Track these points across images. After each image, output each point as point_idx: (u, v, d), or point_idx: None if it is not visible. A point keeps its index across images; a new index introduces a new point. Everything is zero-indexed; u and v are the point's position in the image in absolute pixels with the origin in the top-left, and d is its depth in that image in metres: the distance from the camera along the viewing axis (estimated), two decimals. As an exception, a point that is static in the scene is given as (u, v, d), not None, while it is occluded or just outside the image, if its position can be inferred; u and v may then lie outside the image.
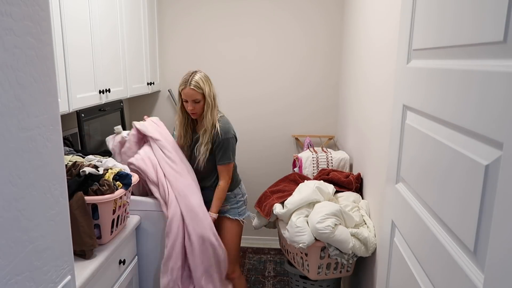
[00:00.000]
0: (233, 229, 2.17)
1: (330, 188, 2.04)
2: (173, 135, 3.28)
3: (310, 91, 3.23)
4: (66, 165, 1.51)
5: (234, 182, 2.20)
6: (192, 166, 2.12)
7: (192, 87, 1.97)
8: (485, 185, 0.73)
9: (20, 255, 0.76)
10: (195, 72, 2.04)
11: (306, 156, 2.57)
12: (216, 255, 2.01)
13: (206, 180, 2.15)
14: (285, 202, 1.97)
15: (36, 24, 0.78)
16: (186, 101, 2.02)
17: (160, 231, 1.97)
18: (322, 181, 2.14)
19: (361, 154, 2.25)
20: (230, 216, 2.17)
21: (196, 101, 2.00)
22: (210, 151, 2.06)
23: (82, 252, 1.46)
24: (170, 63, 3.26)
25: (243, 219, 2.23)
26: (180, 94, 2.05)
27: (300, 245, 1.79)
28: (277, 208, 1.98)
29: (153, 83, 2.97)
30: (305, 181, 2.13)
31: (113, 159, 1.70)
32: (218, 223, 2.15)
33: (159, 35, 3.12)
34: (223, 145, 2.05)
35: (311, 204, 1.93)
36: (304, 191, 1.97)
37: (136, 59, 2.63)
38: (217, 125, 2.04)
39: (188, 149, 2.16)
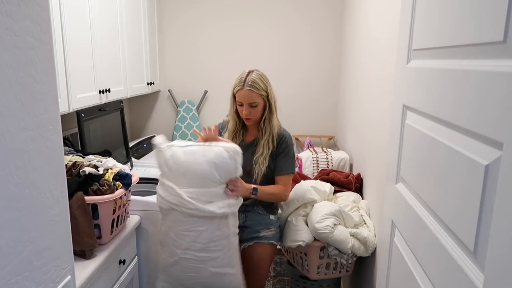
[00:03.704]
0: (272, 254, 1.90)
1: (327, 187, 2.05)
2: (173, 135, 3.28)
3: (310, 91, 3.23)
4: (66, 165, 1.51)
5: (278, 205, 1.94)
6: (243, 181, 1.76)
7: (249, 88, 1.69)
8: (485, 185, 0.73)
9: (20, 255, 0.76)
10: (252, 71, 1.75)
11: (306, 156, 2.57)
12: None
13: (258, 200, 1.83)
14: (281, 203, 1.98)
15: (36, 24, 0.78)
16: (241, 105, 1.73)
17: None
18: (319, 180, 2.14)
19: (361, 154, 2.26)
20: (274, 242, 1.87)
21: (253, 105, 1.72)
22: (269, 163, 1.79)
23: (82, 252, 1.46)
24: (170, 63, 3.26)
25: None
26: (234, 96, 1.77)
27: (300, 243, 1.79)
28: None
29: (153, 83, 2.97)
30: (302, 181, 2.14)
31: (113, 159, 1.69)
32: (254, 250, 1.85)
33: (159, 35, 3.12)
34: (288, 152, 1.80)
35: (308, 205, 1.93)
36: (298, 191, 1.98)
37: (136, 59, 2.63)
38: (281, 131, 1.81)
39: None
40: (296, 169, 2.58)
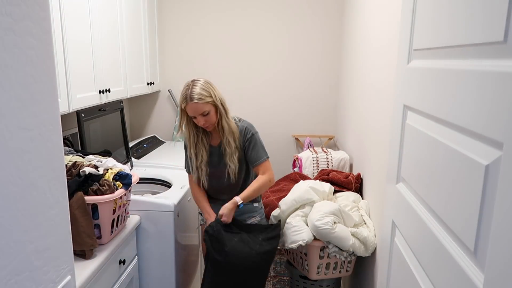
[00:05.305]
0: None
1: (327, 187, 2.04)
2: (173, 135, 3.28)
3: (310, 91, 3.23)
4: (66, 165, 1.51)
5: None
6: (219, 182, 1.93)
7: (195, 101, 1.74)
8: (485, 185, 0.73)
9: (20, 255, 0.76)
10: (193, 82, 1.79)
11: (306, 156, 2.57)
12: None
13: (237, 192, 1.91)
14: (279, 203, 1.97)
15: (36, 24, 0.78)
16: (195, 117, 1.79)
17: (160, 231, 1.97)
18: (318, 180, 2.14)
19: (361, 154, 2.25)
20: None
21: (205, 114, 1.77)
22: (239, 158, 1.89)
23: (82, 252, 1.46)
24: (170, 63, 3.26)
25: None
26: (183, 111, 1.81)
27: (300, 242, 1.79)
28: (273, 212, 1.99)
29: (153, 83, 2.97)
30: (301, 181, 2.13)
31: (113, 159, 1.69)
32: None
33: (159, 35, 3.12)
34: (255, 142, 1.89)
35: (306, 206, 1.93)
36: (296, 191, 1.97)
37: (136, 59, 2.63)
38: (240, 125, 1.89)
39: (206, 166, 1.92)
40: (296, 169, 2.58)
